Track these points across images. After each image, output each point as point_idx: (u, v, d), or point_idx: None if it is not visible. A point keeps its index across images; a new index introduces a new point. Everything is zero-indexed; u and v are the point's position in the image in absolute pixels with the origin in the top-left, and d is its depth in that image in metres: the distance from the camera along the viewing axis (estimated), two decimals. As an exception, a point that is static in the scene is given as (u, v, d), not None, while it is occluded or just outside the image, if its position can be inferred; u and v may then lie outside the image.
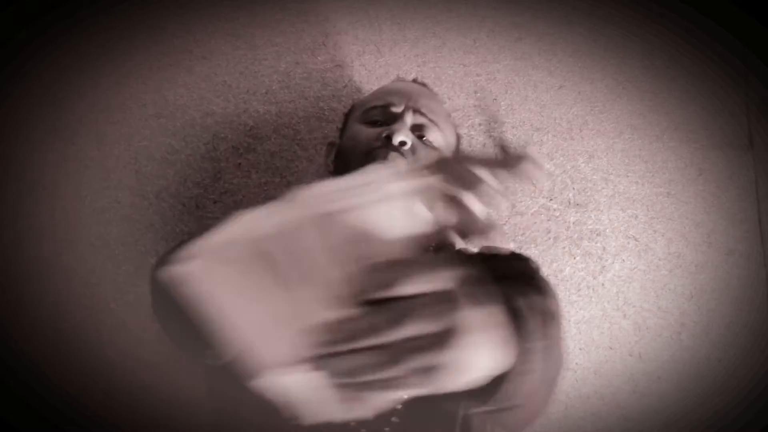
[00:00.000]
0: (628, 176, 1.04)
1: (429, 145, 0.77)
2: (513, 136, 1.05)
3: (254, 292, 0.33)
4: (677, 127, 1.07)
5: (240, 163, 1.00)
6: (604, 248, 1.00)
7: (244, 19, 1.06)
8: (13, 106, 0.99)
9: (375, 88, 1.04)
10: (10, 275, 0.92)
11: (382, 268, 0.34)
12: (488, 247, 0.74)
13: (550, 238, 1.00)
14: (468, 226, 0.41)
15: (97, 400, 0.88)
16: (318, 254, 0.34)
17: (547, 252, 0.99)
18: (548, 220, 1.01)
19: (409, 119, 0.77)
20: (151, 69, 1.03)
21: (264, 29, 1.06)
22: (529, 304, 0.51)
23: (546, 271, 0.96)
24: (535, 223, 1.01)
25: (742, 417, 0.94)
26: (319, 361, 0.33)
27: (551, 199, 1.02)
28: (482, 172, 0.41)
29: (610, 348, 0.96)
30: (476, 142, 1.04)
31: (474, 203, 0.41)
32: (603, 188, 1.03)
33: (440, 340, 0.33)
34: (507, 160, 0.42)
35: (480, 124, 1.05)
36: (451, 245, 0.41)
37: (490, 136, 1.00)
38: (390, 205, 0.36)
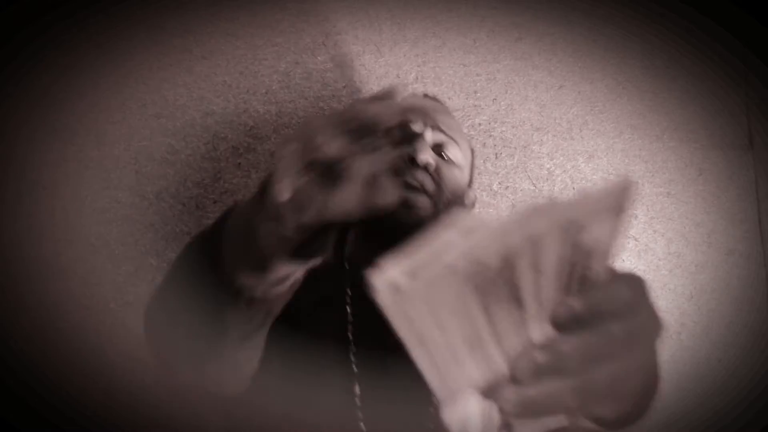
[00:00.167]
0: (628, 176, 1.04)
1: (450, 163, 0.76)
2: (513, 136, 1.05)
3: (465, 314, 0.29)
4: (677, 127, 1.07)
5: (240, 163, 1.00)
6: (604, 248, 1.00)
7: (244, 19, 1.06)
8: (13, 106, 0.99)
9: (375, 88, 1.04)
10: (10, 275, 0.92)
11: (592, 286, 0.31)
12: None
13: (550, 238, 1.00)
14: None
15: (97, 400, 0.88)
16: (552, 269, 0.30)
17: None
18: (548, 220, 1.01)
19: (430, 137, 0.75)
20: (151, 69, 1.03)
21: (264, 29, 1.06)
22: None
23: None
24: (535, 223, 1.01)
25: (742, 417, 0.94)
26: (503, 388, 0.30)
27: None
28: None
29: (610, 348, 0.96)
30: (476, 142, 1.04)
31: None
32: (603, 188, 1.03)
33: (632, 366, 0.30)
34: None
35: (480, 124, 1.05)
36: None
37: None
38: (599, 219, 0.32)
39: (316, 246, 0.41)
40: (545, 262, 0.30)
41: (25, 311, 0.91)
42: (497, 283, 0.29)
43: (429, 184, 0.72)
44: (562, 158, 1.04)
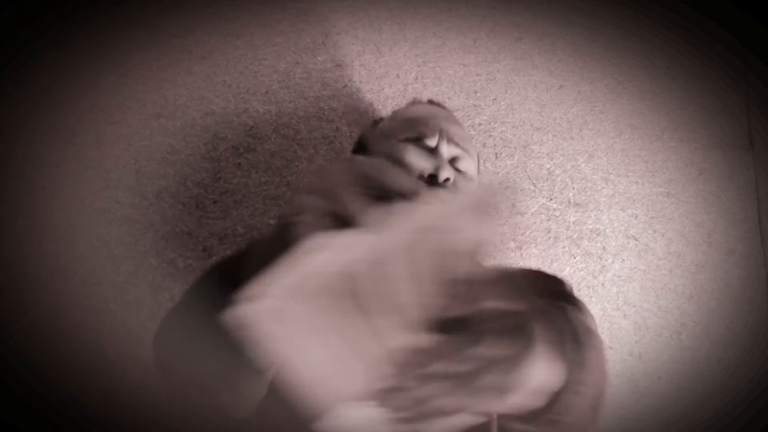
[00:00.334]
0: (628, 176, 1.04)
1: (464, 175, 0.76)
2: (513, 136, 1.05)
3: (330, 327, 0.30)
4: (677, 127, 1.07)
5: (240, 163, 1.00)
6: (604, 248, 1.00)
7: (244, 19, 1.06)
8: (13, 106, 0.99)
9: (375, 88, 1.04)
10: (10, 275, 0.92)
11: (462, 286, 0.33)
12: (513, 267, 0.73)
13: (550, 238, 1.00)
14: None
15: (97, 400, 0.88)
16: (403, 278, 0.31)
17: (547, 252, 0.99)
18: (548, 220, 1.01)
19: (446, 152, 0.75)
20: (151, 69, 1.03)
21: (264, 29, 1.06)
22: (574, 321, 0.50)
23: (546, 270, 0.96)
24: (535, 223, 1.01)
25: (742, 417, 0.94)
26: (387, 394, 0.31)
27: (551, 199, 1.02)
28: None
29: (610, 348, 0.96)
30: (476, 142, 1.04)
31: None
32: (603, 188, 1.03)
33: (515, 358, 0.32)
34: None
35: (480, 124, 1.05)
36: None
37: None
38: (465, 221, 0.34)
39: None
40: (414, 269, 0.31)
41: (25, 311, 0.91)
42: (371, 293, 0.30)
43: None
44: (562, 158, 1.04)
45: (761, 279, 1.01)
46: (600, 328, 0.97)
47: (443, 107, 0.89)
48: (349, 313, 0.30)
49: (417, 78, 1.06)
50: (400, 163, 0.73)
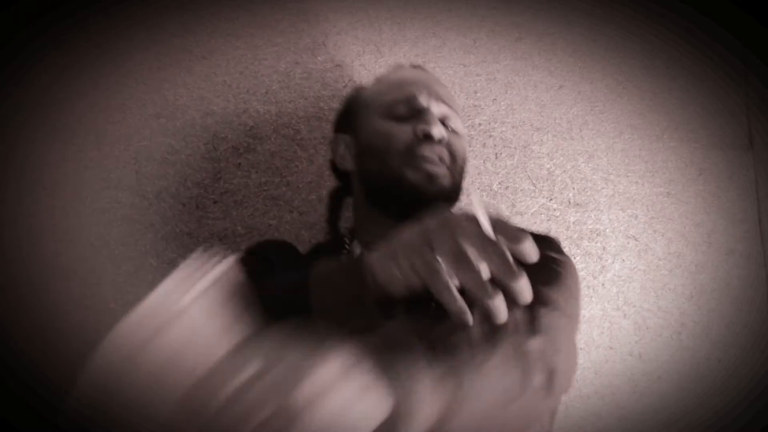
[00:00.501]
0: (628, 176, 1.04)
1: (455, 133, 0.79)
2: (513, 136, 1.05)
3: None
4: (677, 127, 1.07)
5: (240, 163, 1.00)
6: (604, 248, 1.00)
7: (244, 19, 1.06)
8: (13, 106, 0.99)
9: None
10: (10, 275, 0.92)
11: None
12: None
13: (550, 238, 1.00)
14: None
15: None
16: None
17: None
18: (548, 220, 1.01)
19: (437, 111, 0.78)
20: (151, 69, 1.03)
21: (264, 29, 1.06)
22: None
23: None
24: (535, 223, 1.01)
25: (742, 417, 0.94)
26: None
27: (551, 199, 1.02)
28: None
29: (610, 348, 0.97)
30: (476, 142, 1.04)
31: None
32: (603, 188, 1.03)
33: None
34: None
35: (480, 124, 1.05)
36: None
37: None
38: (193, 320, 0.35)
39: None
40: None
41: (25, 311, 0.91)
42: None
43: (445, 156, 0.75)
44: (562, 158, 1.04)
45: (761, 279, 1.01)
46: (600, 328, 0.97)
47: (426, 70, 0.90)
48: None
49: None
50: (389, 139, 0.75)
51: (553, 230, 1.00)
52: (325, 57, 1.06)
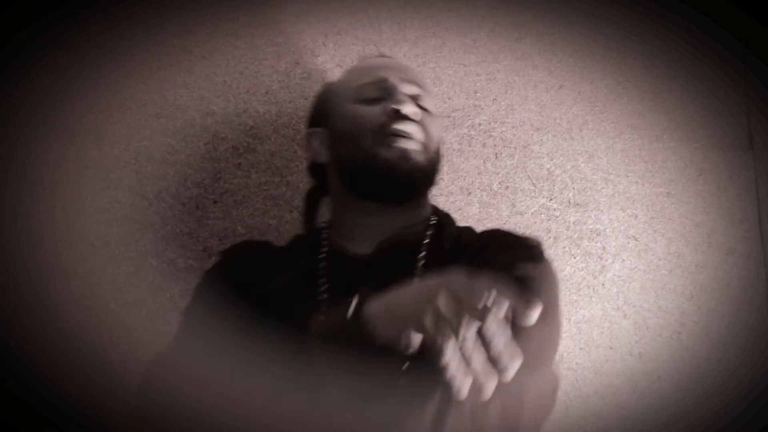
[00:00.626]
0: (628, 176, 1.04)
1: (427, 112, 0.79)
2: (513, 136, 1.05)
3: None
4: (677, 127, 1.07)
5: (240, 163, 1.00)
6: (604, 248, 1.00)
7: (244, 19, 1.06)
8: (13, 106, 0.99)
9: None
10: (10, 275, 0.92)
11: None
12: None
13: (550, 238, 1.00)
14: None
15: (97, 400, 0.88)
16: None
17: (547, 252, 0.99)
18: (548, 220, 1.01)
19: (407, 89, 0.78)
20: (151, 69, 1.03)
21: (264, 29, 1.06)
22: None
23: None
24: (535, 223, 1.01)
25: (742, 417, 0.94)
26: None
27: (551, 199, 1.02)
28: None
29: (610, 348, 0.97)
30: (476, 142, 1.04)
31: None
32: (603, 188, 1.03)
33: None
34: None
35: (480, 124, 1.05)
36: None
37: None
38: None
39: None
40: None
41: (25, 311, 0.91)
42: None
43: (419, 134, 0.75)
44: (562, 158, 1.04)
45: (761, 279, 1.01)
46: (600, 327, 0.97)
47: (394, 58, 0.93)
48: None
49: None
50: (360, 121, 0.76)
51: (553, 230, 1.00)
52: (325, 57, 1.06)
